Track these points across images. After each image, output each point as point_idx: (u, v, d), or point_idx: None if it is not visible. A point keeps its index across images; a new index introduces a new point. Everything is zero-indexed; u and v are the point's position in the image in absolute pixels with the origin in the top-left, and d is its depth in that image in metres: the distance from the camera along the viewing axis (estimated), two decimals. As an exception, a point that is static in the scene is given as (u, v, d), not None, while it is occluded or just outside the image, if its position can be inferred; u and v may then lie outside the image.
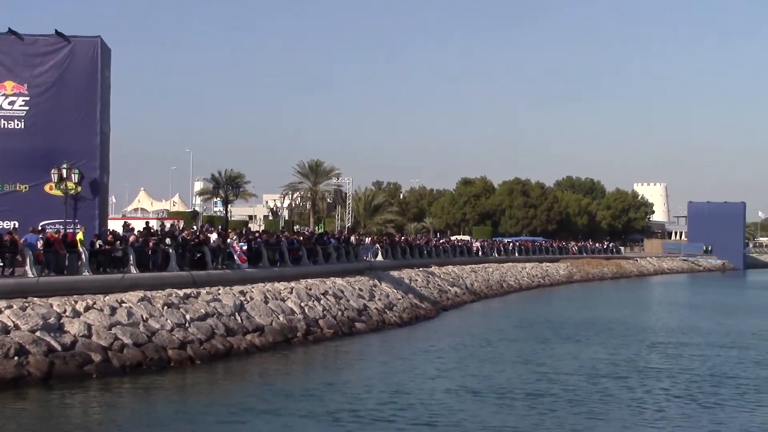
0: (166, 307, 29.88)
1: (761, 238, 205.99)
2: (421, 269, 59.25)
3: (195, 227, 54.48)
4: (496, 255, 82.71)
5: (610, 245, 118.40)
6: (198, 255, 36.64)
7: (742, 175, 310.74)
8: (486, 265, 74.97)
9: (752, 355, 33.83)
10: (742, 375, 28.74)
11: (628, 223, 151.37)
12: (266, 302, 34.90)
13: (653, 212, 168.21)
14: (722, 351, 34.96)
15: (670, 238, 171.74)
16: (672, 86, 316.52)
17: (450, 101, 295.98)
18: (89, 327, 26.59)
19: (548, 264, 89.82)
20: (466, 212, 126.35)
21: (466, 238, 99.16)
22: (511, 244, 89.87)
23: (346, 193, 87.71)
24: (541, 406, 22.81)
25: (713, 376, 28.24)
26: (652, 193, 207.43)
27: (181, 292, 31.69)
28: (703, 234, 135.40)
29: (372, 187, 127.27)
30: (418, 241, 71.64)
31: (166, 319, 29.17)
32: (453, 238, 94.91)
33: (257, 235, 45.10)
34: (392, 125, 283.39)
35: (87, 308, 27.48)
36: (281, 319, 34.27)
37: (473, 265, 71.89)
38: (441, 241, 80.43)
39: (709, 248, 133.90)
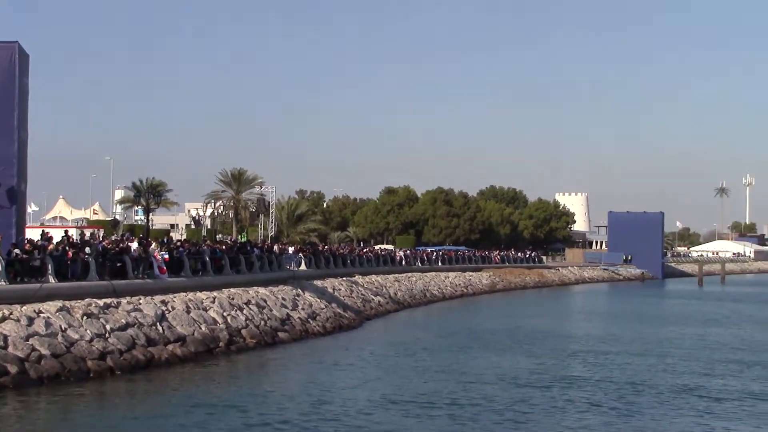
0: (85, 317, 29.39)
1: (679, 248, 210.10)
2: (344, 278, 59.27)
3: (115, 236, 53.79)
4: (420, 264, 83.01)
5: (532, 254, 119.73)
6: (118, 264, 36.13)
7: (661, 186, 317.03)
8: (409, 274, 75.23)
9: (669, 363, 34.39)
10: (661, 383, 29.20)
11: (549, 232, 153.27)
12: (188, 312, 34.60)
13: (574, 222, 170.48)
14: (641, 359, 35.52)
15: (591, 247, 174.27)
16: (590, 96, 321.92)
17: (372, 109, 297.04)
18: (5, 338, 26.04)
19: (471, 273, 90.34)
20: (389, 221, 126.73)
21: (390, 247, 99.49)
22: (435, 254, 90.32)
23: (269, 202, 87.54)
24: (464, 415, 22.99)
25: (632, 384, 28.69)
26: (573, 202, 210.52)
27: (101, 302, 31.16)
28: (623, 243, 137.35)
29: (295, 196, 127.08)
30: (341, 251, 71.65)
31: (86, 330, 28.69)
32: (376, 247, 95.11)
33: (179, 244, 44.66)
34: (316, 134, 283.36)
35: (3, 319, 26.91)
36: (203, 328, 34.02)
37: (397, 275, 72.13)
38: (364, 250, 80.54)
39: (629, 258, 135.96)
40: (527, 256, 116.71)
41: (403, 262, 79.82)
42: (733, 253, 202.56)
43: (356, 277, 62.66)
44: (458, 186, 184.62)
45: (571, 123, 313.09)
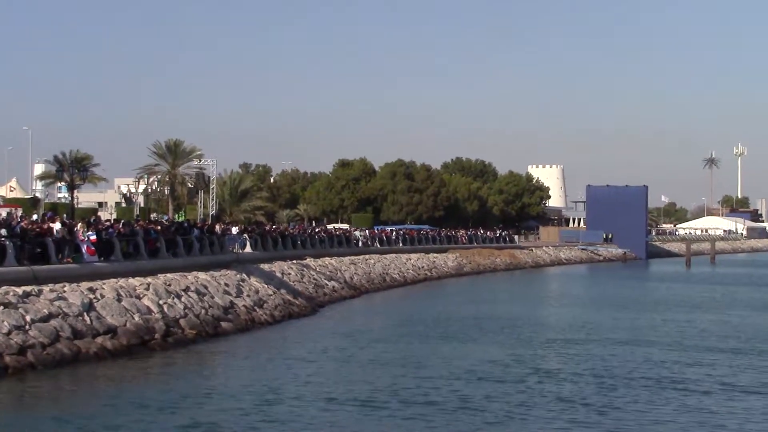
0: (2, 308, 29.15)
1: (664, 225, 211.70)
2: (294, 262, 59.37)
3: (36, 216, 53.31)
4: (378, 245, 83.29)
5: (503, 234, 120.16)
6: (39, 248, 35.80)
7: (644, 157, 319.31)
8: (367, 256, 75.48)
9: (652, 353, 34.79)
10: (642, 375, 29.56)
11: (522, 209, 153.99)
12: (119, 300, 34.48)
13: (549, 197, 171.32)
14: (621, 349, 35.92)
15: (567, 225, 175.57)
16: (568, 61, 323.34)
17: (325, 73, 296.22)
18: None
19: (435, 255, 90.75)
20: (344, 198, 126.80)
21: (345, 226, 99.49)
22: (395, 233, 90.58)
23: (209, 177, 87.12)
24: (426, 415, 23.06)
25: (612, 377, 29.04)
26: (548, 176, 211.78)
27: (20, 290, 30.93)
28: (603, 221, 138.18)
29: (239, 171, 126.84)
30: (291, 231, 71.69)
31: (3, 321, 28.45)
32: (330, 226, 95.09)
33: (108, 224, 44.34)
34: (261, 102, 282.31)
35: None
36: (137, 319, 33.93)
37: (353, 257, 72.33)
38: (317, 230, 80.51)
39: (610, 236, 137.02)
40: (497, 235, 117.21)
41: (360, 243, 79.99)
42: (724, 231, 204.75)
43: (308, 260, 62.75)
44: (420, 158, 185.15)
45: (545, 88, 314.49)
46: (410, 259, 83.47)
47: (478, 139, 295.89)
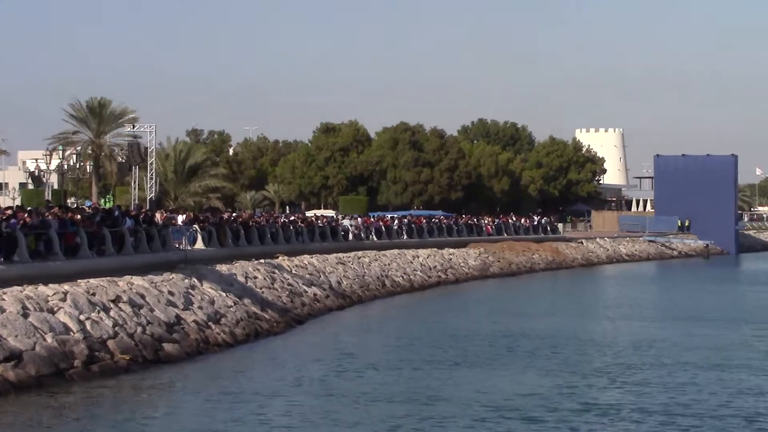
0: None
1: (760, 208, 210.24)
2: (262, 261, 59.23)
3: None
4: (375, 238, 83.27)
5: (543, 221, 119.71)
6: None
7: (731, 118, 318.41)
8: (360, 253, 75.20)
9: (741, 381, 34.51)
10: (726, 411, 29.28)
11: (568, 188, 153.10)
12: (25, 316, 34.11)
13: (604, 171, 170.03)
14: (700, 375, 35.63)
15: (629, 209, 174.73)
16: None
17: (303, 11, 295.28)
18: None
19: (452, 251, 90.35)
20: (328, 175, 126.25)
21: (330, 213, 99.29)
22: (397, 222, 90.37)
23: (146, 148, 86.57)
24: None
25: (688, 414, 28.77)
26: (603, 143, 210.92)
27: None
28: (678, 203, 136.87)
29: (187, 139, 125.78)
30: (257, 220, 71.49)
31: None
32: (310, 213, 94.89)
33: (10, 213, 43.98)
34: (216, 49, 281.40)
35: None
36: (49, 340, 33.60)
37: (341, 254, 72.06)
38: (292, 218, 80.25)
39: (686, 224, 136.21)
40: (535, 223, 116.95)
41: (351, 236, 79.82)
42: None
43: (280, 258, 62.61)
44: (430, 122, 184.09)
45: (596, 27, 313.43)
46: (418, 257, 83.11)
47: (507, 96, 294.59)
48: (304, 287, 59.05)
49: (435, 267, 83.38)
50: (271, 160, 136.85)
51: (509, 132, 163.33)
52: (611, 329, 52.01)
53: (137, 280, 43.03)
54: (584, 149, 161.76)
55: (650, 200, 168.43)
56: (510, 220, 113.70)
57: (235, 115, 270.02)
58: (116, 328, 37.13)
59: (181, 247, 54.50)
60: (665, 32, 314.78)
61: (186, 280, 46.75)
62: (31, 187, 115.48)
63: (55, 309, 35.97)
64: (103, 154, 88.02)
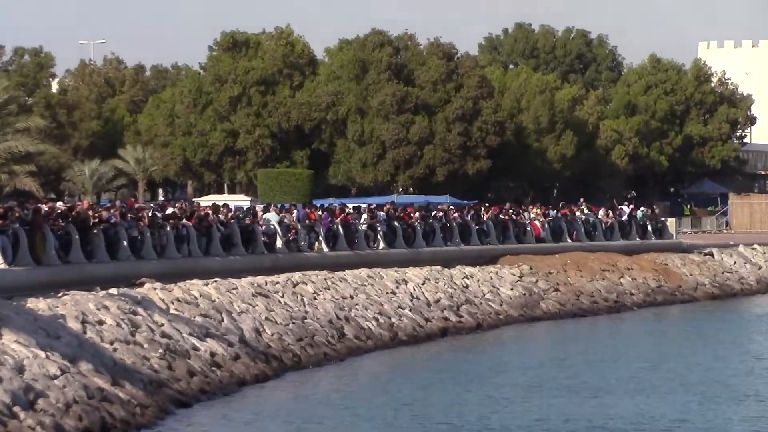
0: None
1: None
2: (114, 292, 45.33)
3: None
4: (326, 248, 62.56)
5: (638, 215, 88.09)
6: None
7: None
8: (297, 276, 55.60)
9: None
10: None
11: (685, 151, 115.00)
12: None
13: (754, 121, 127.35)
14: None
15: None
16: None
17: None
18: None
19: (470, 270, 67.76)
20: (237, 129, 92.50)
21: (244, 200, 79.08)
22: (367, 218, 67.88)
23: None
24: None
25: None
26: (749, 68, 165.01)
27: None
28: None
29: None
30: (103, 214, 54.08)
31: None
32: (204, 201, 72.76)
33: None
34: None
35: None
36: None
37: (261, 278, 53.83)
38: (170, 211, 60.19)
39: None
40: (624, 218, 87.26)
41: (279, 243, 60.27)
42: None
43: (147, 286, 48.52)
44: (427, 31, 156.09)
45: None
46: (406, 282, 61.74)
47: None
48: (194, 340, 44.91)
49: (438, 301, 61.30)
50: (130, 101, 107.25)
51: (574, 48, 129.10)
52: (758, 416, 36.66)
53: None
54: (715, 79, 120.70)
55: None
56: (578, 213, 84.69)
57: (63, 23, 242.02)
58: None
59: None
60: None
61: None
62: None
63: None
64: None
